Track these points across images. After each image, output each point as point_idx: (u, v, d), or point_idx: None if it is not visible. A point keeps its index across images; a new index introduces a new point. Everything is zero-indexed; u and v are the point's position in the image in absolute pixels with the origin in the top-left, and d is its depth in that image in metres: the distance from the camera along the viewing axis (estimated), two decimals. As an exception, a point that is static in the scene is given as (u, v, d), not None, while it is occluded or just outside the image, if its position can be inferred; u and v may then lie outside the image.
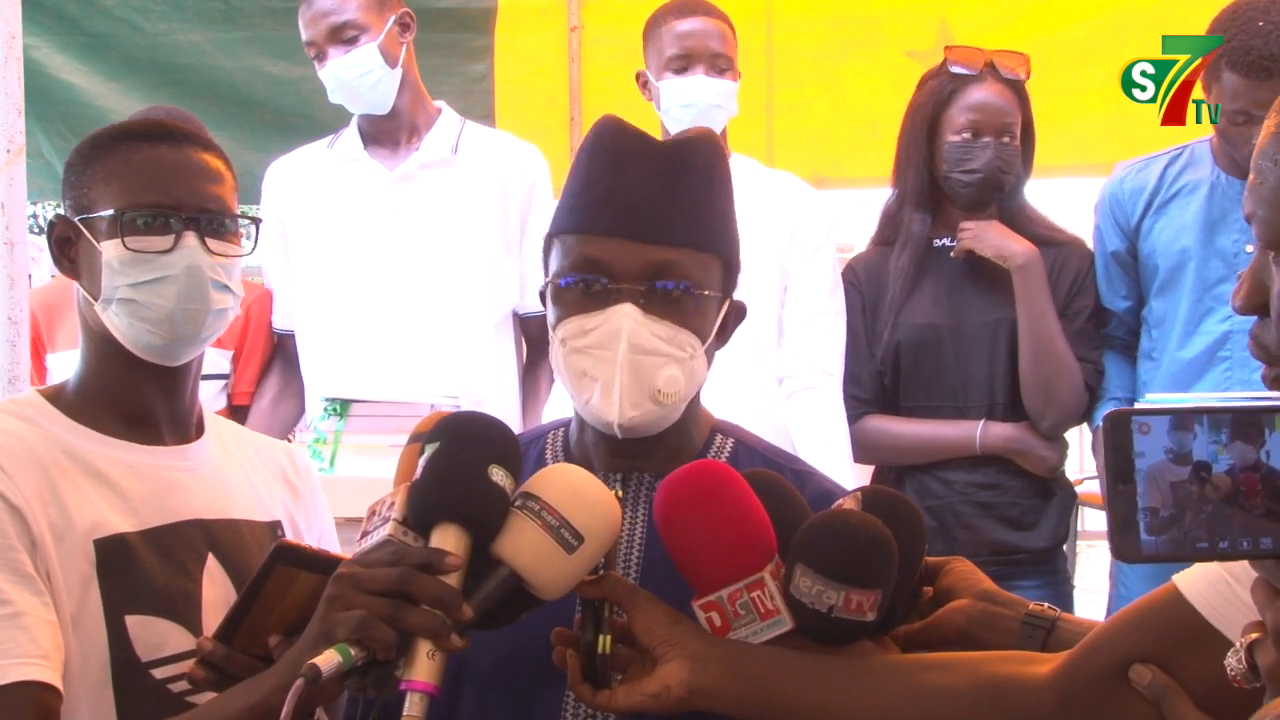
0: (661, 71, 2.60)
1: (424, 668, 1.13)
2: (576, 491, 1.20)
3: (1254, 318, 1.00)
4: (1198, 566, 1.09)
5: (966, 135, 2.54)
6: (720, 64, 2.58)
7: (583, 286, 1.32)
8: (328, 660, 1.10)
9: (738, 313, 1.42)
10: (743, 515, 1.21)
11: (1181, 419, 0.91)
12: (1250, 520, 0.90)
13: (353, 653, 1.12)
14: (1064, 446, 2.64)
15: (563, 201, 1.39)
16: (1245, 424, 0.91)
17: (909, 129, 2.63)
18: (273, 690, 1.17)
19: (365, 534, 1.22)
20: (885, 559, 1.19)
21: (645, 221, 1.32)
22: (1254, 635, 0.92)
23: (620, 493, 1.33)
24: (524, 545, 1.18)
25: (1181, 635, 1.07)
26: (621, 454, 1.39)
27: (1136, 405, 2.47)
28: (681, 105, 2.57)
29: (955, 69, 2.57)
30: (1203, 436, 0.90)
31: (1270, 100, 2.41)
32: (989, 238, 2.57)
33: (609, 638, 1.20)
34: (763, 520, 1.22)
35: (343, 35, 2.60)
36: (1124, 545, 0.90)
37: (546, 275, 1.40)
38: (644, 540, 1.37)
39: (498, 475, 1.19)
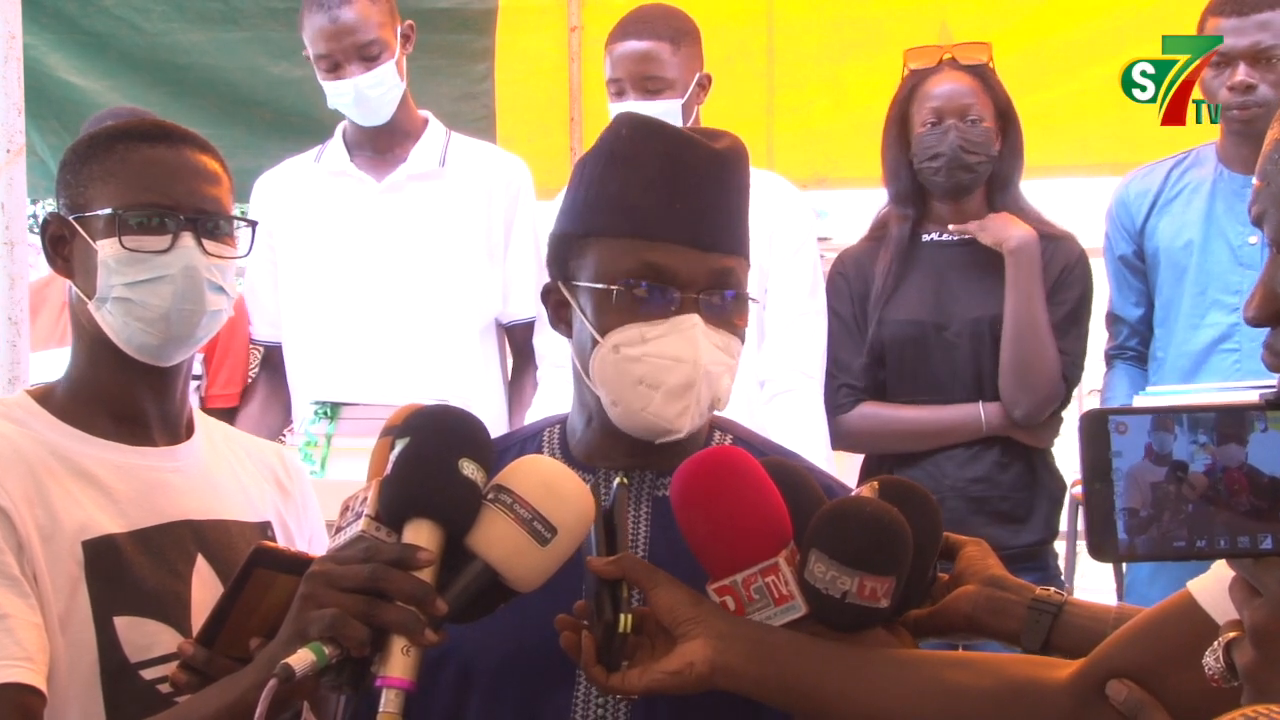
0: (608, 94, 2.65)
1: (399, 664, 1.12)
2: (548, 484, 1.20)
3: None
4: (1211, 573, 1.09)
5: (930, 124, 2.56)
6: (651, 86, 2.58)
7: (643, 295, 1.31)
8: (301, 659, 1.10)
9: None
10: (758, 501, 1.22)
11: (1161, 419, 0.91)
12: (1229, 519, 0.90)
13: (327, 651, 1.11)
14: (1057, 424, 2.63)
15: (596, 201, 1.36)
16: (1227, 423, 0.90)
17: (885, 132, 2.66)
18: (248, 689, 1.17)
19: (339, 529, 1.22)
20: (900, 546, 1.19)
21: (706, 229, 1.32)
22: (1232, 634, 0.92)
23: (626, 480, 1.32)
24: (497, 539, 1.17)
25: (1196, 641, 1.05)
26: (634, 454, 1.38)
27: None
28: None
29: (913, 65, 2.61)
30: (1182, 436, 0.90)
31: (1245, 38, 2.52)
32: (991, 226, 2.58)
33: (629, 617, 1.19)
34: (778, 506, 1.22)
35: (367, 53, 2.62)
36: (1101, 545, 0.90)
37: (568, 277, 1.37)
38: (649, 536, 1.37)
39: (469, 469, 1.18)
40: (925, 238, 2.65)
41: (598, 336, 1.33)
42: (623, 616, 1.19)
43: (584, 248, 1.36)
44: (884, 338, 2.61)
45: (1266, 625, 0.88)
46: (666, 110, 2.57)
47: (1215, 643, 0.93)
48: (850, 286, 2.66)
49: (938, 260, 2.63)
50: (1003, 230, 2.56)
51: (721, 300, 1.32)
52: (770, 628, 1.20)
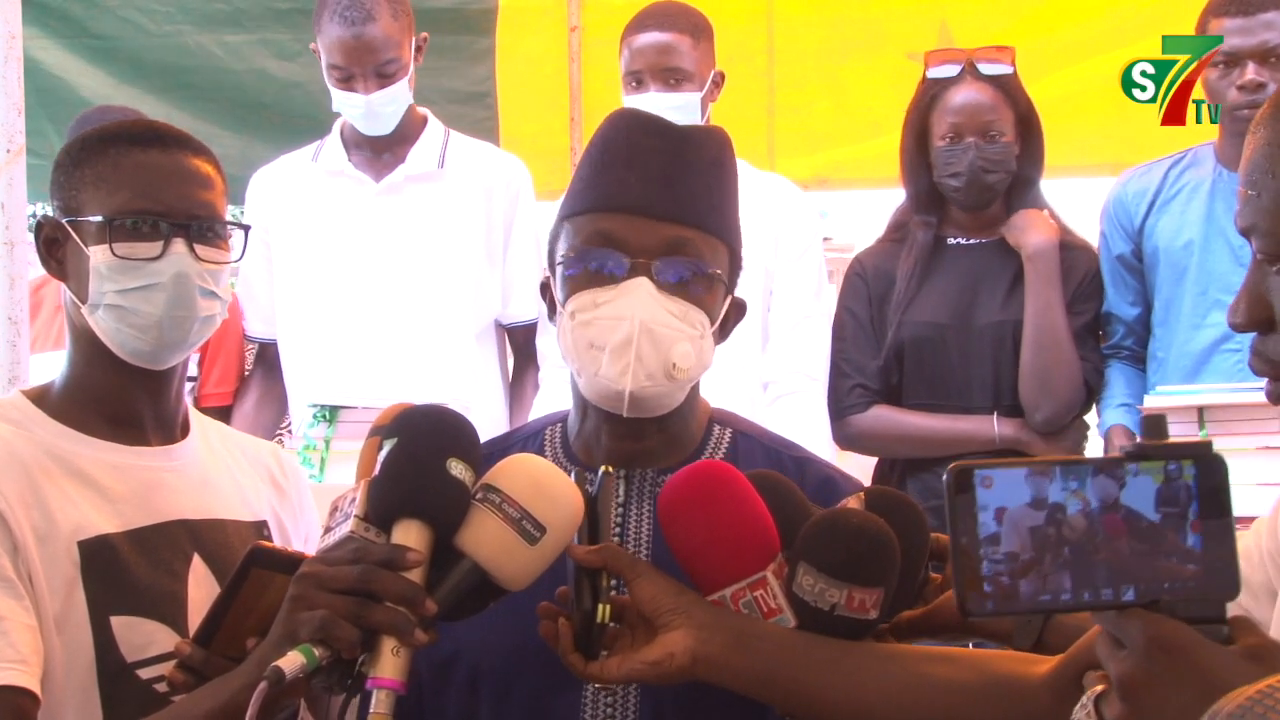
0: (624, 88, 2.64)
1: (389, 664, 1.13)
2: (537, 482, 1.20)
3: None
4: None
5: (950, 139, 2.55)
6: (673, 78, 2.58)
7: (595, 262, 1.33)
8: (291, 662, 1.11)
9: (738, 309, 1.43)
10: (745, 515, 1.21)
11: (1037, 466, 0.90)
12: (1092, 571, 0.89)
13: (317, 653, 1.12)
14: (1081, 429, 2.61)
15: (573, 188, 1.40)
16: (1100, 469, 0.89)
17: (903, 138, 2.64)
18: (239, 690, 1.18)
19: (328, 530, 1.22)
20: (888, 557, 1.19)
21: (660, 199, 1.33)
22: (1099, 687, 0.92)
23: (612, 469, 1.32)
24: (486, 538, 1.18)
25: None
26: (624, 442, 1.39)
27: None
28: None
29: (932, 74, 2.58)
30: (1057, 483, 0.89)
31: (1253, 37, 2.51)
32: (1015, 223, 2.58)
33: (607, 607, 1.19)
34: (765, 520, 1.22)
35: (384, 71, 2.62)
36: (964, 601, 0.90)
37: (552, 264, 1.40)
38: (651, 536, 1.38)
39: (457, 469, 1.18)
40: (950, 241, 2.64)
41: (560, 307, 1.36)
42: (601, 606, 1.19)
43: (560, 232, 1.40)
44: (903, 338, 2.60)
45: (1132, 677, 0.88)
46: (686, 102, 2.58)
47: (1084, 697, 0.92)
48: (869, 288, 2.66)
49: (961, 263, 2.62)
50: (1022, 234, 2.56)
51: (676, 269, 1.33)
52: (753, 620, 1.20)
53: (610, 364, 1.32)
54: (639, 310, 1.31)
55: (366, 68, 2.60)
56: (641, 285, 1.32)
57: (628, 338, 1.31)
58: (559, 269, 1.38)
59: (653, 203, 1.33)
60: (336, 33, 2.60)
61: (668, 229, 1.33)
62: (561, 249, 1.38)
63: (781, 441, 1.50)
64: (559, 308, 1.37)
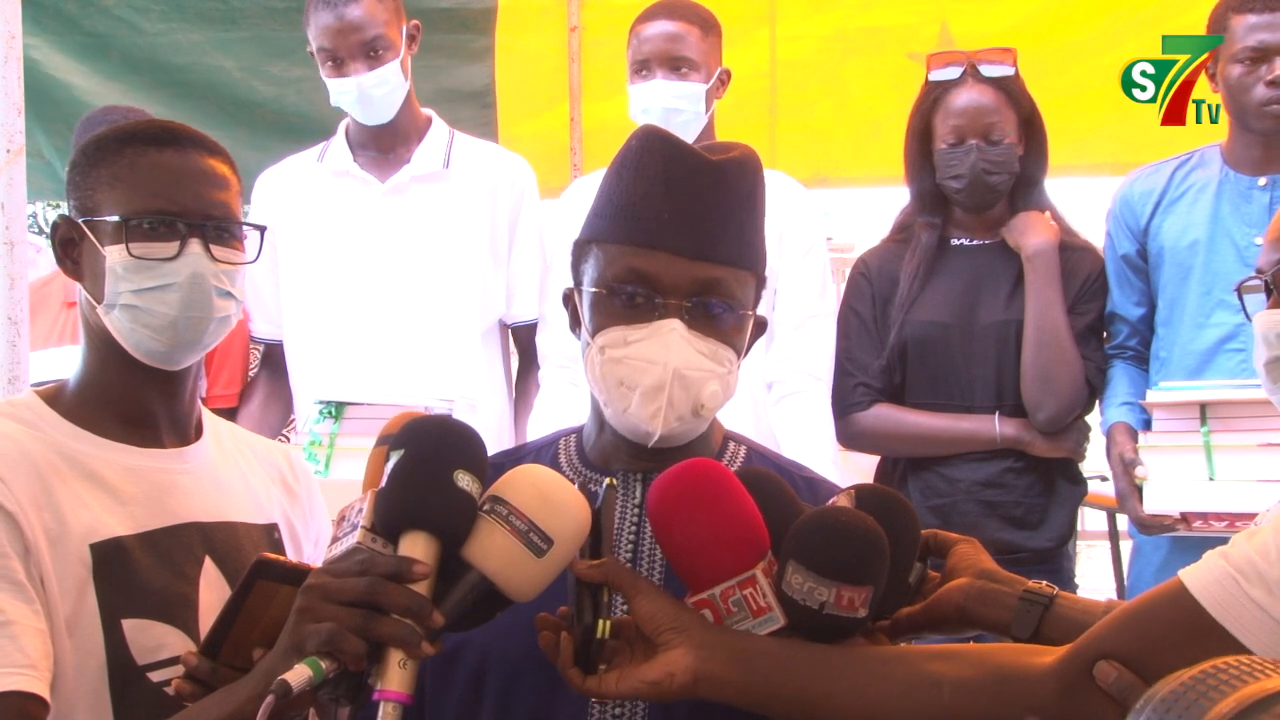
0: (630, 78, 2.64)
1: (396, 677, 1.12)
2: (544, 494, 1.19)
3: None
4: (1204, 562, 1.09)
5: (952, 142, 2.55)
6: (679, 66, 2.59)
7: (626, 298, 1.33)
8: (298, 675, 1.10)
9: (759, 326, 1.43)
10: (735, 513, 1.22)
11: None
12: None
13: (323, 665, 1.11)
14: (1083, 429, 2.61)
15: (603, 209, 1.39)
16: None
17: (906, 140, 2.65)
18: (246, 700, 1.17)
19: (335, 539, 1.21)
20: (877, 556, 1.19)
21: (694, 238, 1.33)
22: None
23: (615, 481, 1.32)
24: (493, 550, 1.17)
25: (1185, 630, 1.07)
26: (642, 458, 1.40)
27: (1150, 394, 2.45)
28: (641, 110, 2.59)
29: (934, 76, 2.59)
30: None
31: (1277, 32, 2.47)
32: (1015, 225, 2.58)
33: (608, 622, 1.19)
34: (755, 518, 1.22)
35: (372, 50, 2.62)
36: None
37: (578, 282, 1.40)
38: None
39: (464, 481, 1.17)
40: (954, 241, 2.65)
41: (589, 338, 1.36)
42: (601, 622, 1.19)
43: (587, 253, 1.39)
44: (906, 337, 2.60)
45: None
46: (692, 92, 2.59)
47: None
48: (873, 288, 2.66)
49: (965, 263, 2.63)
50: (1021, 235, 2.56)
51: (707, 309, 1.34)
52: (752, 635, 1.20)
53: (641, 406, 1.33)
54: (672, 357, 1.31)
55: (353, 48, 2.61)
56: (673, 328, 1.32)
57: (660, 384, 1.32)
58: (587, 294, 1.38)
59: (687, 242, 1.33)
60: (322, 18, 2.62)
61: (700, 269, 1.33)
62: (590, 274, 1.38)
63: (793, 463, 1.51)
64: (586, 337, 1.37)
